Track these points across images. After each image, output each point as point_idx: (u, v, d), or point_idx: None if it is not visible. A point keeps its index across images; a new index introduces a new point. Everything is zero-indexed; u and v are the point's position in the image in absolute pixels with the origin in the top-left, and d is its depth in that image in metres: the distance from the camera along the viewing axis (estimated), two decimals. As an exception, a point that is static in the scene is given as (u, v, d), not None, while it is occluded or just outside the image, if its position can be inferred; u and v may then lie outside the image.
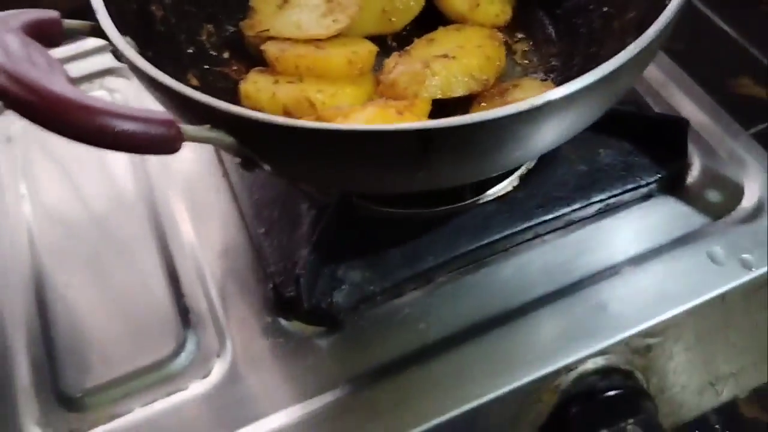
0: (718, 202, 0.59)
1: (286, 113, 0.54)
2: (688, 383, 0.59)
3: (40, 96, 0.37)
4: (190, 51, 0.62)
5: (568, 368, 0.51)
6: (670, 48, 0.71)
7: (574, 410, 0.52)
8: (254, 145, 0.44)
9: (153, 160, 0.66)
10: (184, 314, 0.56)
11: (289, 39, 0.59)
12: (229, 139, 0.43)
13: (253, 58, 0.63)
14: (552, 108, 0.42)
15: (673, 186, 0.60)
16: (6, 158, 0.68)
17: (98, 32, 0.49)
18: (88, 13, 0.50)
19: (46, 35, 0.46)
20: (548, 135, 0.46)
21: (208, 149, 0.66)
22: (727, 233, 0.57)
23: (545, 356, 0.51)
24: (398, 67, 0.56)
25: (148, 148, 0.40)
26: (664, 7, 0.47)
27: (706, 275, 0.55)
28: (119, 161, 0.67)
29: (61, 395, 0.52)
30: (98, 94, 0.74)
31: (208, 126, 0.43)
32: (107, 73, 0.75)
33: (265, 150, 0.45)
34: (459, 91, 0.56)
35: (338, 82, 0.56)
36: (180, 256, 0.60)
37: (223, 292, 0.57)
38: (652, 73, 0.70)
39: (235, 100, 0.58)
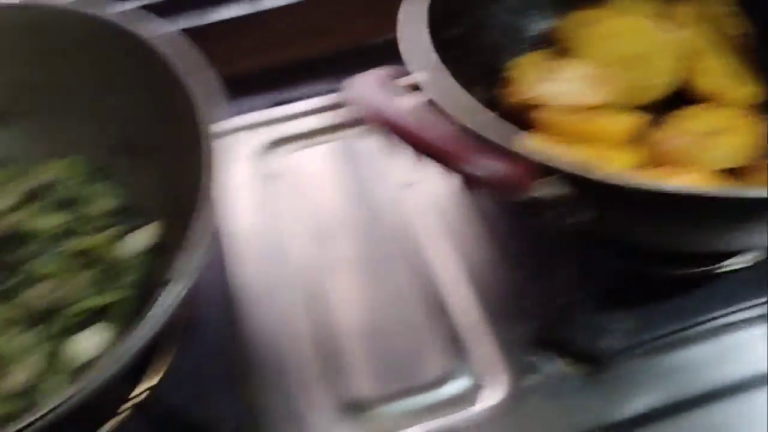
0: None
1: None
2: None
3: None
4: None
5: None
6: None
7: None
8: (592, 200, 0.47)
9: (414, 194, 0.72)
10: (456, 343, 0.60)
11: (552, 107, 0.64)
12: (567, 192, 0.46)
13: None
14: None
15: None
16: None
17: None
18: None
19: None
20: None
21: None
22: None
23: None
24: (670, 138, 0.61)
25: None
26: None
27: None
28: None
29: (352, 403, 0.57)
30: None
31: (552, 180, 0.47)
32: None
33: (602, 205, 0.47)
34: (739, 161, 0.60)
35: (613, 149, 0.60)
36: (449, 287, 0.64)
37: (488, 325, 0.61)
38: None
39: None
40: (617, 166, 0.59)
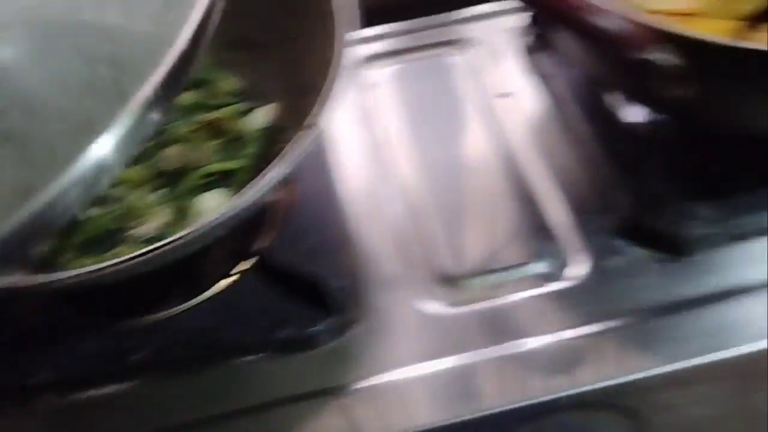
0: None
1: None
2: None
3: None
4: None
5: None
6: None
7: None
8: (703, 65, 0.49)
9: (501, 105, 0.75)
10: (543, 230, 0.64)
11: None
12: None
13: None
14: None
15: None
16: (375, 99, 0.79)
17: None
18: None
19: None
20: None
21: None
22: None
23: None
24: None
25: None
26: None
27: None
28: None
29: (444, 275, 0.62)
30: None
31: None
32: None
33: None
34: None
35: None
36: (538, 184, 0.68)
37: (574, 215, 0.65)
38: None
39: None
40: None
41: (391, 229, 0.66)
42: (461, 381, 0.56)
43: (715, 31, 0.62)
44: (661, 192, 0.62)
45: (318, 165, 0.69)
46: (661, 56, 0.50)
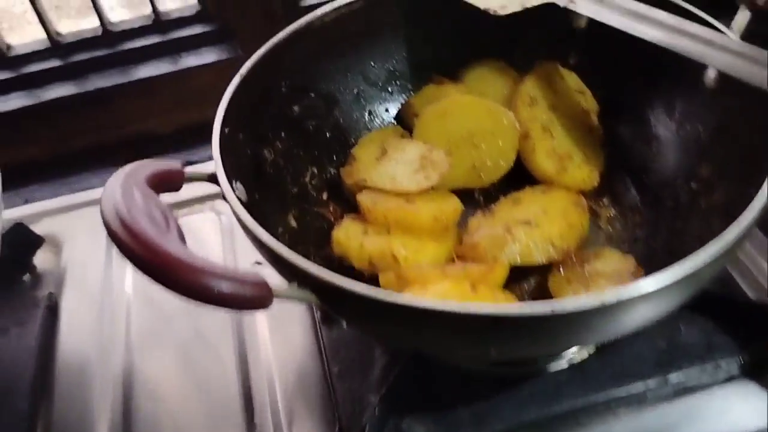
0: (806, 393, 0.58)
1: (371, 264, 0.58)
2: None
3: (155, 255, 0.42)
4: (294, 191, 0.67)
5: None
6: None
7: None
8: (334, 306, 0.48)
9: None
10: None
11: (382, 190, 0.63)
12: (313, 298, 0.46)
13: (348, 201, 0.68)
14: (626, 305, 0.42)
15: (758, 372, 0.59)
16: (119, 268, 0.75)
17: (214, 180, 0.55)
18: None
19: (169, 183, 0.52)
20: (623, 325, 0.47)
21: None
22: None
23: None
24: (481, 230, 0.59)
25: (243, 306, 0.44)
26: (750, 196, 0.48)
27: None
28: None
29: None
30: (208, 216, 0.81)
31: (296, 284, 0.47)
32: (217, 197, 0.82)
33: (344, 311, 0.49)
34: (539, 259, 0.58)
35: (422, 238, 0.59)
36: (256, 373, 0.63)
37: (291, 418, 0.60)
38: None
39: (328, 241, 0.63)
40: (426, 257, 0.58)
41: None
42: None
43: (425, 217, 0.59)
44: (373, 407, 0.56)
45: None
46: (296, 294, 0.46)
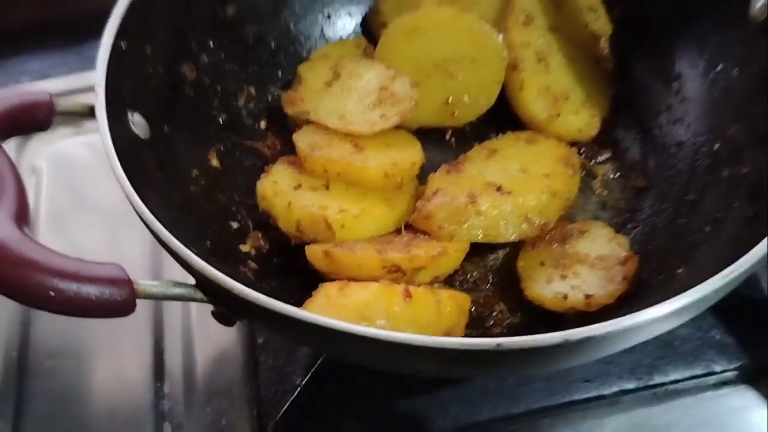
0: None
1: (299, 230, 0.46)
2: None
3: None
4: (222, 119, 0.54)
5: None
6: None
7: None
8: (230, 309, 0.38)
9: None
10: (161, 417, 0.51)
11: (327, 128, 0.51)
12: (199, 296, 0.36)
13: (291, 133, 0.54)
14: (597, 341, 0.33)
15: (758, 377, 0.49)
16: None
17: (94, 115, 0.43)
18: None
19: (32, 121, 0.40)
20: (611, 349, 0.38)
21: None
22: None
23: None
24: (440, 194, 0.47)
25: (95, 313, 0.34)
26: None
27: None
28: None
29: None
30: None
31: (171, 281, 0.36)
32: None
33: (244, 316, 0.39)
34: (508, 237, 0.46)
35: (368, 198, 0.47)
36: (171, 347, 0.54)
37: (208, 397, 0.51)
38: None
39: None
40: (369, 226, 0.46)
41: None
42: None
43: (373, 173, 0.47)
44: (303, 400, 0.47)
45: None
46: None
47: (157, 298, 0.36)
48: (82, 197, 0.62)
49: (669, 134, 0.53)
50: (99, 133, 0.43)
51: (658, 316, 0.33)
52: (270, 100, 0.57)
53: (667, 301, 0.34)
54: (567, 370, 0.48)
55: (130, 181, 0.39)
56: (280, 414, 0.47)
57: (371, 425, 0.47)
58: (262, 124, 0.57)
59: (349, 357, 0.39)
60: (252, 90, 0.57)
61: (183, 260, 0.35)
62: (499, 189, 0.46)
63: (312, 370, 0.47)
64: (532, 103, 0.53)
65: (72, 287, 0.32)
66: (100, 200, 0.61)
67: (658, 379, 0.48)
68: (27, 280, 0.32)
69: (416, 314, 0.39)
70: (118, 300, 0.33)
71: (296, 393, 0.47)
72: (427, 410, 0.47)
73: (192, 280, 0.38)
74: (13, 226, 0.33)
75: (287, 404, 0.47)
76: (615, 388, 0.48)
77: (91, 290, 0.33)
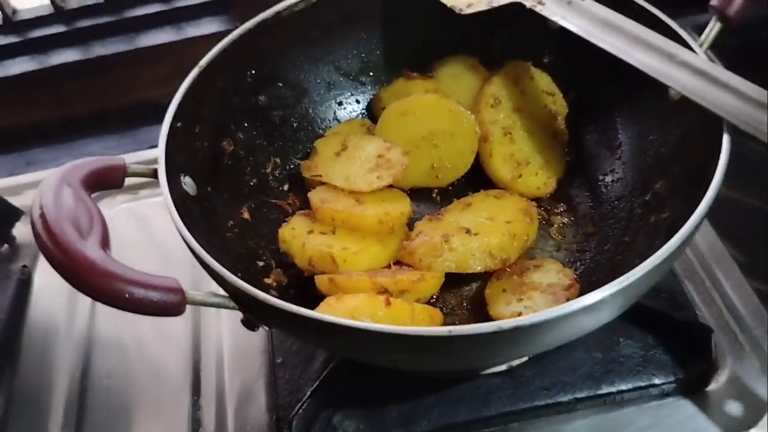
0: (737, 416, 0.57)
1: (311, 264, 0.59)
2: None
3: (69, 258, 0.44)
4: (253, 183, 0.68)
5: None
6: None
7: None
8: (255, 316, 0.49)
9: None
10: (196, 426, 0.62)
11: (336, 187, 0.64)
12: (231, 305, 0.48)
13: (307, 192, 0.67)
14: (524, 331, 0.43)
15: (692, 390, 0.59)
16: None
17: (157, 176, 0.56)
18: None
19: (109, 180, 0.54)
20: (544, 342, 0.48)
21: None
22: (736, 453, 0.55)
23: None
24: (420, 236, 0.60)
25: (155, 312, 0.46)
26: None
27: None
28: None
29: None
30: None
31: (211, 293, 0.48)
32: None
33: (265, 320, 0.50)
34: (475, 268, 0.58)
35: (367, 239, 0.60)
36: (206, 356, 0.66)
37: (234, 410, 0.62)
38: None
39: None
40: (366, 261, 0.58)
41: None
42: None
43: (369, 220, 0.60)
44: (309, 407, 0.57)
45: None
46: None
47: (201, 304, 0.48)
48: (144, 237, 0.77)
49: (612, 190, 0.66)
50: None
51: (574, 309, 0.43)
52: (292, 168, 0.71)
53: (580, 298, 0.43)
54: (529, 379, 0.59)
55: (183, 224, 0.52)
56: (294, 415, 0.57)
57: (367, 423, 0.57)
58: (285, 187, 0.70)
59: (344, 349, 0.50)
60: (278, 160, 0.70)
61: (221, 278, 0.47)
62: (468, 231, 0.59)
63: (318, 381, 0.58)
64: (499, 167, 0.66)
65: (141, 292, 0.44)
66: (156, 239, 0.76)
67: (606, 389, 0.58)
68: (109, 286, 0.44)
69: (394, 318, 0.51)
70: (173, 303, 0.45)
71: (306, 400, 0.57)
72: (414, 412, 0.58)
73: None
74: (100, 249, 0.46)
75: (300, 408, 0.57)
76: (569, 396, 0.58)
77: (154, 295, 0.45)
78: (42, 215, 0.45)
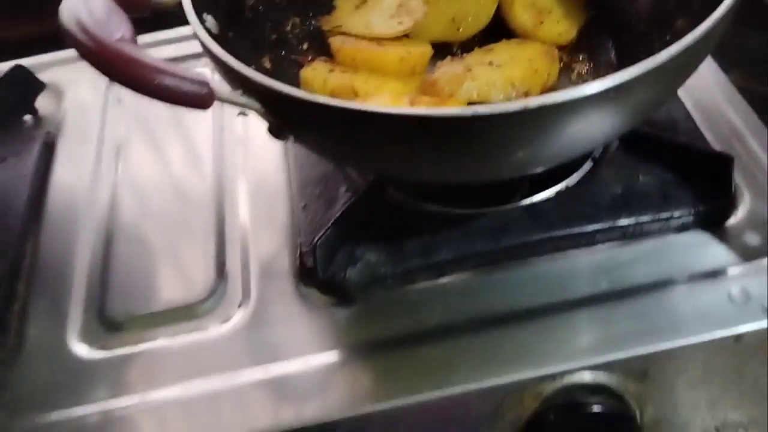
0: (755, 245, 0.57)
1: (333, 97, 0.57)
2: (688, 422, 0.57)
3: (102, 48, 0.45)
4: (273, 38, 0.68)
5: (553, 377, 0.52)
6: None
7: (552, 419, 0.52)
8: (278, 114, 0.50)
9: (230, 135, 0.73)
10: (221, 267, 0.62)
11: (356, 36, 0.64)
12: (257, 106, 0.49)
13: (329, 53, 0.68)
14: (556, 110, 0.43)
15: (712, 222, 0.59)
16: (115, 116, 0.78)
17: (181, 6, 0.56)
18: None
19: (135, 3, 0.54)
20: (560, 140, 0.47)
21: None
22: (754, 276, 0.55)
23: (532, 361, 0.53)
24: (443, 68, 0.60)
25: (183, 102, 0.46)
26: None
27: (723, 313, 0.53)
28: (203, 132, 0.74)
29: (104, 317, 0.60)
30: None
31: (240, 92, 0.49)
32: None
33: (288, 120, 0.50)
34: (498, 98, 0.58)
35: (387, 77, 0.60)
36: (230, 216, 0.66)
37: (259, 254, 0.63)
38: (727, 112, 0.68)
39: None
40: (386, 93, 0.59)
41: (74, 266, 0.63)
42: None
43: (391, 57, 0.61)
44: (325, 231, 0.58)
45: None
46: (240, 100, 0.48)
47: (228, 101, 0.48)
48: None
49: (635, 36, 0.65)
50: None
51: (609, 85, 0.43)
52: (311, 28, 0.71)
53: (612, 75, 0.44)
54: (548, 212, 0.59)
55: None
56: (318, 240, 0.57)
57: (388, 254, 0.58)
58: (305, 45, 0.70)
59: (371, 151, 0.50)
60: (297, 20, 0.71)
61: (247, 78, 0.47)
62: (490, 64, 0.59)
63: (341, 212, 0.59)
64: (520, 14, 0.66)
65: (173, 81, 0.45)
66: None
67: (625, 221, 0.58)
68: (139, 72, 0.45)
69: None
70: (203, 94, 0.46)
71: (329, 227, 0.57)
72: (433, 244, 0.58)
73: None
74: (131, 44, 0.47)
75: (323, 235, 0.57)
76: (589, 228, 0.58)
77: (185, 84, 0.46)
78: (75, 14, 0.46)
